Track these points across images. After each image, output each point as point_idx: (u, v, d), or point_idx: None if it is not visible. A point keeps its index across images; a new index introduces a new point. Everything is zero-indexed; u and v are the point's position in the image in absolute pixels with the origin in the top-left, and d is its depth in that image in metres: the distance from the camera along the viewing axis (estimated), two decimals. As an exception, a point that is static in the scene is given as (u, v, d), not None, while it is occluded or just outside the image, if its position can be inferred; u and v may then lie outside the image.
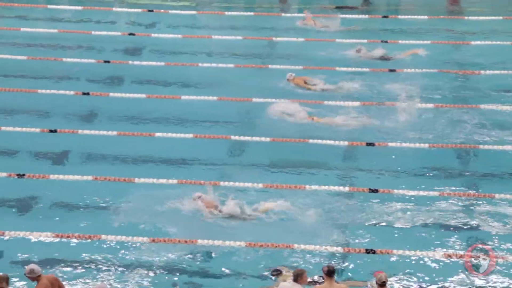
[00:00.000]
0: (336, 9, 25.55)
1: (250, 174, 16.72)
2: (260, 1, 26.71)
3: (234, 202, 15.18)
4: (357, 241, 14.65)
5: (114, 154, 17.48)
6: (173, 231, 14.76)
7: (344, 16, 24.97)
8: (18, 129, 18.07)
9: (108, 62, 21.81)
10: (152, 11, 25.59)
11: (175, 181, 16.39)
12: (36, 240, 14.45)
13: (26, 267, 12.09)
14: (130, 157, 17.36)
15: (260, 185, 16.33)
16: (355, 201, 15.85)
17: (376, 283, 12.04)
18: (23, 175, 16.33)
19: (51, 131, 18.08)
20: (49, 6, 25.81)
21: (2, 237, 14.46)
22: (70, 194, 15.86)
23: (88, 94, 19.91)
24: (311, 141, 17.93)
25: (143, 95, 19.88)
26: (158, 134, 18.11)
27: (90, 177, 16.40)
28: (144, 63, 21.73)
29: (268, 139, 18.04)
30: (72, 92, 19.97)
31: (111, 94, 19.95)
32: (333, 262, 13.72)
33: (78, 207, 15.51)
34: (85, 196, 15.79)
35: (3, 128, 18.06)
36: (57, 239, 14.48)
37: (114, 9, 25.63)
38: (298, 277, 12.25)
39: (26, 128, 18.09)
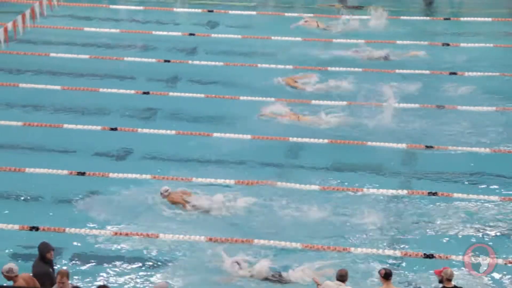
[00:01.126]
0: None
1: (309, 175, 16.73)
2: (321, 1, 26.57)
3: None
4: (415, 245, 14.53)
5: (172, 153, 17.61)
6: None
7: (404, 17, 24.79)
8: (79, 126, 18.32)
9: (168, 61, 21.99)
10: (212, 11, 25.72)
11: (232, 181, 16.45)
12: (102, 236, 14.65)
13: (4, 266, 11.99)
14: (188, 157, 17.48)
15: (317, 187, 16.32)
16: (413, 204, 15.73)
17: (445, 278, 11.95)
18: (84, 173, 16.54)
19: (111, 129, 18.30)
20: (112, 6, 26.12)
21: (63, 232, 14.67)
22: (130, 192, 16.01)
23: (148, 93, 20.10)
24: (369, 143, 17.84)
25: (202, 95, 20.01)
26: (216, 134, 18.19)
27: (148, 176, 16.54)
28: (203, 62, 21.85)
29: (325, 140, 18.01)
30: (132, 91, 20.18)
31: (171, 94, 20.10)
32: (388, 266, 13.62)
33: (137, 205, 15.65)
34: (146, 195, 15.92)
35: (65, 125, 18.32)
36: (116, 237, 14.67)
37: (175, 9, 25.81)
38: (343, 277, 12.23)
39: (87, 126, 18.34)
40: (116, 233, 14.67)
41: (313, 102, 19.62)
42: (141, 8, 25.89)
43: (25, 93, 19.89)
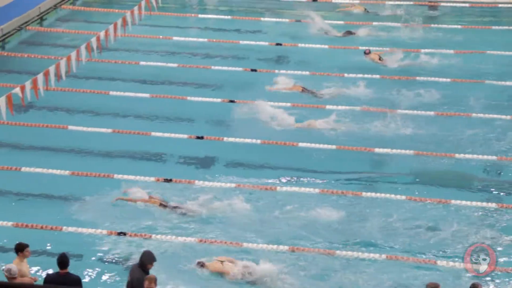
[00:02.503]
0: None
1: (394, 186, 16.61)
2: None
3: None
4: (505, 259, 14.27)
5: (258, 162, 17.69)
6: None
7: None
8: (166, 134, 18.58)
9: (255, 70, 22.13)
10: (299, 21, 25.77)
11: (317, 190, 16.43)
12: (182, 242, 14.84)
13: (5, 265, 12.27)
14: (273, 165, 17.54)
15: (404, 197, 16.17)
16: (504, 217, 15.44)
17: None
18: (170, 180, 16.77)
19: (198, 137, 18.50)
20: (200, 15, 26.45)
21: (149, 238, 14.91)
22: (215, 200, 16.15)
23: (233, 101, 20.26)
24: (457, 155, 17.60)
25: (288, 104, 20.05)
26: (301, 144, 18.20)
27: (233, 185, 16.66)
28: (290, 72, 21.89)
29: (411, 152, 17.83)
30: (219, 100, 20.37)
31: (256, 102, 20.20)
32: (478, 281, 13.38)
33: (222, 213, 15.78)
34: (229, 201, 16.03)
35: (152, 133, 18.62)
36: (200, 243, 14.82)
37: (262, 19, 25.96)
38: None
39: (174, 134, 18.58)
40: (201, 240, 14.83)
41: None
42: (229, 17, 26.14)
43: (115, 100, 20.29)
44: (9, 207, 15.75)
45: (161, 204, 15.70)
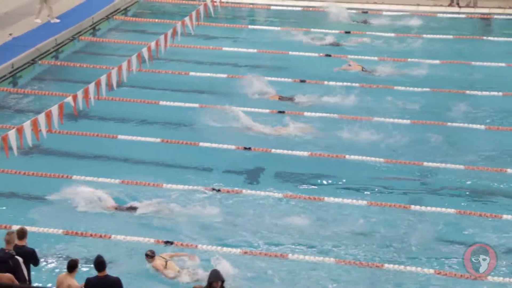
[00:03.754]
0: None
1: (442, 200, 16.50)
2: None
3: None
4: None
5: (306, 174, 17.70)
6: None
7: None
8: (214, 145, 18.67)
9: (304, 81, 22.15)
10: (349, 32, 25.80)
11: (365, 202, 16.37)
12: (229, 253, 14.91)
13: None
14: (322, 176, 17.52)
15: (453, 211, 16.05)
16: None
17: None
18: (219, 190, 16.86)
19: (245, 148, 18.57)
20: (250, 27, 26.58)
21: (195, 248, 14.99)
22: (260, 210, 16.20)
23: (283, 112, 20.27)
24: (509, 170, 17.43)
25: (336, 115, 20.05)
26: (349, 157, 18.14)
27: (280, 195, 16.69)
28: (339, 83, 21.88)
29: (461, 166, 17.71)
30: (267, 110, 20.42)
31: (306, 114, 20.21)
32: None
33: (266, 223, 15.82)
34: (275, 212, 16.08)
35: (200, 144, 18.72)
36: (244, 255, 14.87)
37: (312, 29, 25.98)
38: None
39: (222, 145, 18.67)
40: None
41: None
42: (278, 28, 26.21)
43: (164, 110, 20.46)
44: (60, 214, 15.95)
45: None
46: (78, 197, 16.29)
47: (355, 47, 24.68)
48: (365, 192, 16.92)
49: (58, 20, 24.86)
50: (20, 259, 12.00)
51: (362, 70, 22.94)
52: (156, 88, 21.68)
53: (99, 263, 12.01)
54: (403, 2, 28.23)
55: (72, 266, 12.15)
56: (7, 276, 11.94)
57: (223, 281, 11.73)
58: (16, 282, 11.97)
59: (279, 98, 21.03)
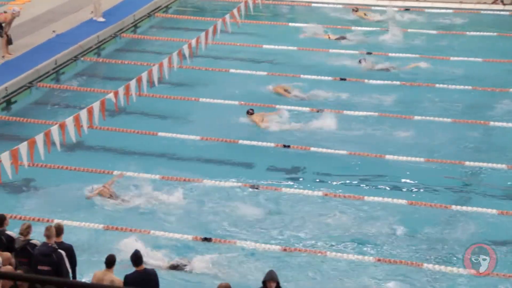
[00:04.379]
0: None
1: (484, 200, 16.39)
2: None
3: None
4: None
5: (346, 172, 17.65)
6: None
7: None
8: (254, 143, 18.69)
9: (344, 79, 22.10)
10: (387, 30, 25.69)
11: (404, 201, 16.29)
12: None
13: None
14: (360, 176, 17.47)
15: (495, 211, 15.92)
16: None
17: None
18: (257, 187, 16.89)
19: (284, 146, 18.56)
20: (290, 24, 26.56)
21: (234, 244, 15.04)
22: (299, 208, 16.20)
23: (321, 111, 20.22)
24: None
25: (375, 113, 19.99)
26: (388, 156, 18.06)
27: (320, 193, 16.67)
28: (379, 82, 21.81)
29: (504, 166, 17.55)
30: (307, 109, 20.40)
31: (345, 112, 20.16)
32: None
33: (306, 221, 15.81)
34: (315, 210, 16.07)
35: (240, 141, 18.76)
36: (284, 252, 14.87)
37: (353, 27, 25.89)
38: None
39: (262, 143, 18.67)
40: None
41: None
42: (319, 26, 26.12)
43: (204, 107, 20.53)
44: (101, 210, 16.09)
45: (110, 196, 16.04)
46: (118, 192, 16.41)
47: (395, 45, 24.56)
48: (405, 191, 16.82)
49: (103, 19, 25.04)
50: (63, 252, 12.11)
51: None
52: (197, 85, 21.76)
53: (138, 258, 12.10)
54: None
55: (111, 262, 12.23)
56: (6, 255, 12.06)
57: (278, 282, 11.73)
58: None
59: (285, 90, 21.00)
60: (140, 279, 11.99)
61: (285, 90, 21.17)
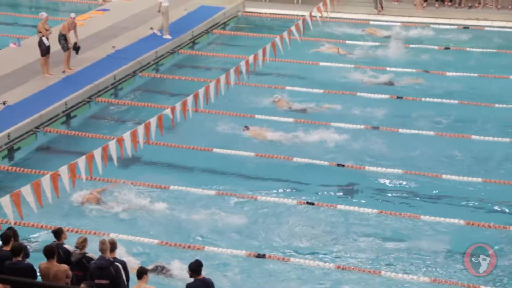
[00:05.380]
0: None
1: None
2: None
3: None
4: None
5: (401, 191, 17.53)
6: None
7: None
8: (308, 160, 18.58)
9: (401, 98, 21.98)
10: (448, 48, 25.50)
11: (462, 221, 16.11)
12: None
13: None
14: (415, 195, 17.33)
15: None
16: None
17: None
18: (313, 203, 16.87)
19: (338, 165, 18.50)
20: (348, 42, 26.50)
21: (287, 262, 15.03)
22: (354, 226, 16.14)
23: (377, 128, 20.16)
24: None
25: (431, 133, 19.81)
26: (445, 176, 17.87)
27: (375, 211, 16.57)
28: (437, 100, 21.66)
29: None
30: (362, 126, 20.33)
31: (400, 130, 20.03)
32: None
33: (362, 239, 15.74)
34: (368, 229, 16.01)
35: (294, 159, 18.73)
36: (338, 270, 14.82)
37: (411, 45, 25.76)
38: None
39: (315, 161, 18.60)
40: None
41: None
42: (377, 44, 26.06)
43: (260, 124, 20.54)
44: (158, 223, 16.23)
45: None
46: (177, 207, 16.55)
47: (456, 62, 24.43)
48: (462, 210, 16.63)
49: (170, 36, 25.26)
50: (120, 266, 12.21)
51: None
52: (253, 102, 21.83)
53: (199, 266, 12.13)
54: (505, 18, 27.75)
55: (142, 273, 12.26)
56: (64, 267, 12.16)
57: None
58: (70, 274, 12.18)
59: (286, 104, 21.15)
60: (202, 287, 12.03)
61: (287, 103, 21.14)
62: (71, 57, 22.35)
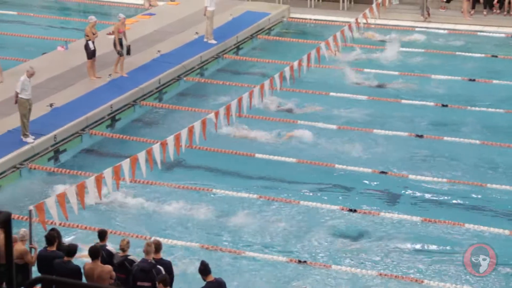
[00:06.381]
0: None
1: None
2: None
3: None
4: None
5: (444, 199, 17.39)
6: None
7: None
8: (350, 168, 18.51)
9: (446, 106, 21.82)
10: (496, 56, 25.25)
11: (507, 231, 15.92)
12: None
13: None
14: (461, 205, 17.19)
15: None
16: None
17: None
18: (355, 210, 16.81)
19: (381, 172, 18.41)
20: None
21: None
22: (397, 233, 16.06)
23: (421, 136, 20.02)
24: None
25: (477, 141, 19.64)
26: (490, 185, 17.69)
27: (419, 218, 16.46)
28: (483, 109, 21.43)
29: None
30: (405, 134, 20.20)
31: (446, 138, 19.87)
32: None
33: (404, 247, 15.66)
34: (415, 236, 15.89)
35: (336, 165, 18.67)
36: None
37: (457, 52, 25.53)
38: None
39: (358, 168, 18.50)
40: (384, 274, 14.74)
41: None
42: (421, 50, 25.90)
43: (302, 129, 20.47)
44: (200, 228, 16.30)
45: None
46: (217, 210, 16.63)
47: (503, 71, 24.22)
48: (506, 220, 16.44)
49: (214, 41, 25.36)
50: (162, 268, 12.30)
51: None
52: (296, 108, 21.81)
53: (204, 266, 12.15)
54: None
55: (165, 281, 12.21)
56: (108, 268, 12.25)
57: None
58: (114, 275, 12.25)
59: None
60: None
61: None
62: (122, 60, 22.39)
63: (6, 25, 28.11)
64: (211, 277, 12.15)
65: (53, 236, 12.67)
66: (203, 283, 12.11)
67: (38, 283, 6.46)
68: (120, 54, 22.12)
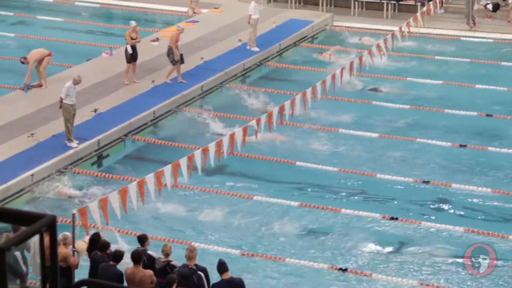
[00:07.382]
0: None
1: None
2: None
3: None
4: None
5: (488, 209, 17.25)
6: None
7: None
8: (388, 177, 18.45)
9: (491, 116, 21.64)
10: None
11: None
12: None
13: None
14: (495, 215, 17.05)
15: None
16: None
17: None
18: (396, 218, 16.74)
19: (424, 181, 18.31)
20: (437, 57, 26.23)
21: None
22: (438, 243, 15.96)
23: (465, 146, 19.88)
24: None
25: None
26: None
27: (461, 228, 16.35)
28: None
29: None
30: (448, 143, 20.06)
31: (490, 149, 19.71)
32: None
33: (447, 258, 15.56)
34: (457, 246, 15.81)
35: (378, 175, 18.61)
36: None
37: (502, 63, 25.32)
38: None
39: (399, 178, 18.44)
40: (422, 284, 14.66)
41: None
42: (467, 60, 25.74)
43: (343, 139, 20.42)
44: (243, 235, 16.37)
45: None
46: (257, 217, 16.68)
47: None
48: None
49: (257, 49, 25.44)
50: (202, 275, 12.36)
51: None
52: (336, 115, 21.77)
53: (222, 265, 12.20)
54: None
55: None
56: (149, 273, 12.33)
57: None
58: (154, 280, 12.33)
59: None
60: (227, 287, 12.06)
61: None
62: (179, 68, 22.57)
63: (53, 31, 28.48)
64: (227, 275, 12.24)
65: (106, 243, 12.88)
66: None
67: (83, 285, 6.57)
68: (173, 63, 22.33)
